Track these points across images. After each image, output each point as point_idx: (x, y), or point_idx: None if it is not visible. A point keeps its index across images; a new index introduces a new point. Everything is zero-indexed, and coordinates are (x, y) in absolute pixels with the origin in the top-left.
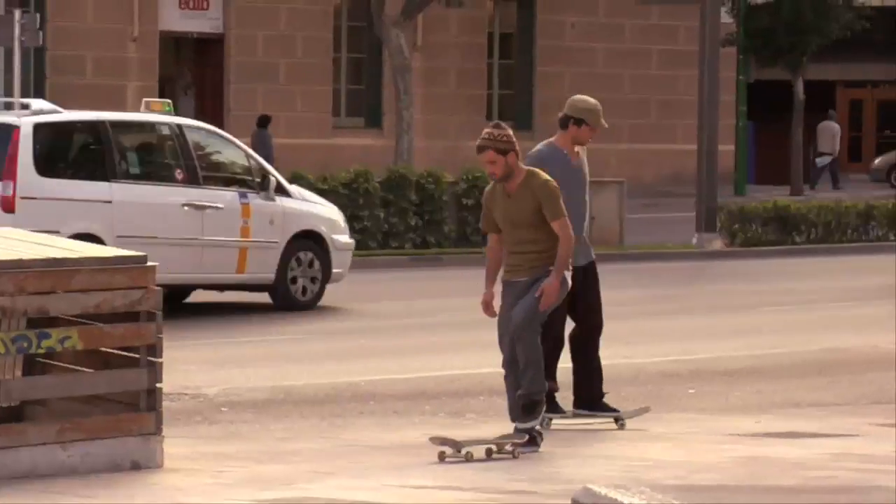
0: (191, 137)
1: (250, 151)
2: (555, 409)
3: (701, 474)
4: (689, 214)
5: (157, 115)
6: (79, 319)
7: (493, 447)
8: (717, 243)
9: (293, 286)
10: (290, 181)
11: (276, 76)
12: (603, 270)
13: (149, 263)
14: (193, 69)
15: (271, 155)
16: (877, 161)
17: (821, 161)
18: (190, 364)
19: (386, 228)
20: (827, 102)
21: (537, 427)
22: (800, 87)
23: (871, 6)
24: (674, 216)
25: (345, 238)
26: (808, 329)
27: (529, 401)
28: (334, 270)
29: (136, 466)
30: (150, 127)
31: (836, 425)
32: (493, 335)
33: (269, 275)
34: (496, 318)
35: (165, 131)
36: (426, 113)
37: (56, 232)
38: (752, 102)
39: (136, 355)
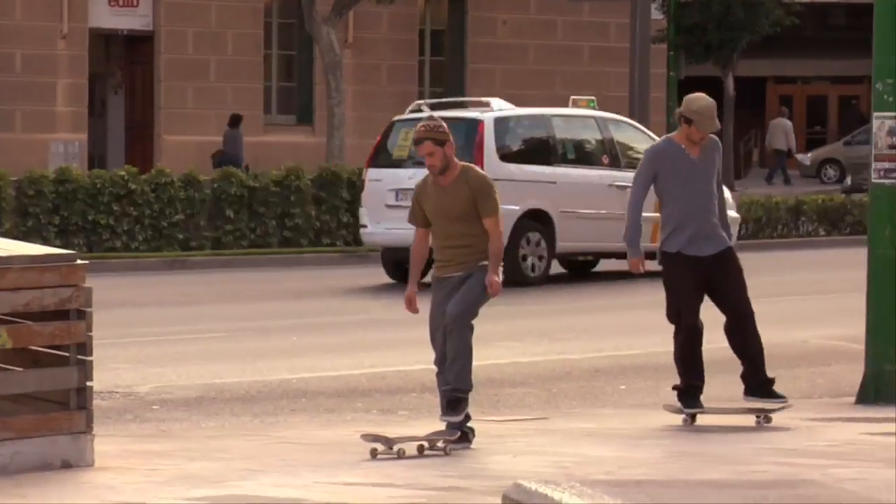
0: (611, 128)
1: (657, 138)
2: (696, 404)
3: (632, 469)
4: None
5: (584, 109)
6: (8, 318)
7: (425, 444)
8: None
9: None
10: (220, 179)
11: (207, 73)
12: None
13: (78, 262)
14: (123, 66)
15: (241, 154)
16: (807, 156)
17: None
18: (121, 362)
19: (318, 226)
20: (757, 99)
21: (469, 423)
22: (730, 84)
23: (801, 3)
24: None
25: (733, 213)
26: None
27: (454, 396)
28: None
29: (66, 465)
30: (580, 120)
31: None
32: (424, 332)
33: None
34: (428, 315)
35: (591, 123)
36: (358, 110)
37: (514, 208)
38: (682, 99)
39: (67, 354)
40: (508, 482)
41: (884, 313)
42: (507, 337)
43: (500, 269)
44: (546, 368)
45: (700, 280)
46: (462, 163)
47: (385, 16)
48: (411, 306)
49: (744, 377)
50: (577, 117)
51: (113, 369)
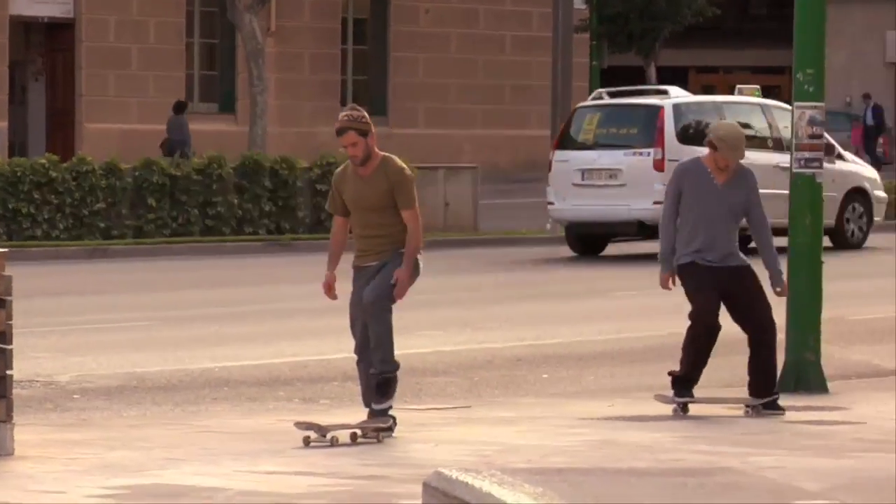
0: (775, 114)
1: None
2: (688, 394)
3: (554, 458)
4: (543, 200)
5: (750, 97)
6: None
7: (358, 432)
8: None
9: (847, 231)
10: (141, 168)
11: (129, 62)
12: (457, 256)
13: (0, 250)
14: (44, 54)
15: (187, 140)
16: None
17: None
18: (41, 351)
19: (240, 214)
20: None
21: (391, 411)
22: (652, 73)
23: None
24: (527, 202)
25: (882, 193)
26: (658, 313)
27: (382, 379)
28: (875, 219)
29: None
30: (747, 106)
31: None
32: (346, 321)
33: (830, 221)
34: (348, 303)
35: (758, 110)
36: (280, 98)
37: None
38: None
39: None
40: (429, 470)
41: (804, 302)
42: (429, 326)
43: (421, 258)
44: (468, 357)
45: (716, 284)
46: (383, 153)
47: (307, 4)
48: (330, 292)
49: (749, 387)
50: (744, 104)
51: (33, 358)
